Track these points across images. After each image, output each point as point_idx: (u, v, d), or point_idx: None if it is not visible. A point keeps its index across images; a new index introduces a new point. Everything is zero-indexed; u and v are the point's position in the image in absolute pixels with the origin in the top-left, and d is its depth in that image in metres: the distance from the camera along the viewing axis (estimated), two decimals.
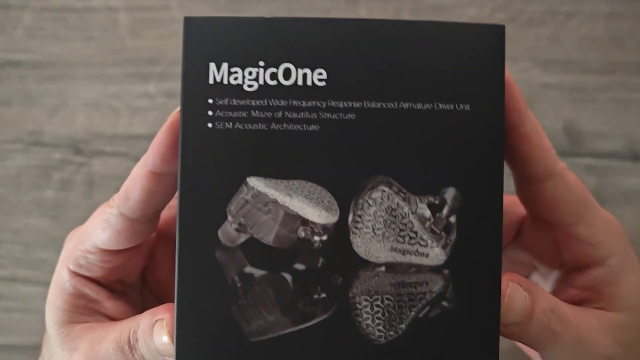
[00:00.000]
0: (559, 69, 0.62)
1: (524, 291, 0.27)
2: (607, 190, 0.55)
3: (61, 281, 0.33)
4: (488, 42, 0.25)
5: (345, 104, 0.25)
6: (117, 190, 0.64)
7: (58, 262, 0.34)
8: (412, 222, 0.25)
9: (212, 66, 0.25)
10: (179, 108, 0.28)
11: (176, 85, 0.61)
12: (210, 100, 0.25)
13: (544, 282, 0.34)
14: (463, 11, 0.55)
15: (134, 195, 0.29)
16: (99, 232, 0.31)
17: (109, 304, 0.33)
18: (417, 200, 0.25)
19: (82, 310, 0.33)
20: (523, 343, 0.29)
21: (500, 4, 0.62)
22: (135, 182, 0.29)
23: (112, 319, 0.33)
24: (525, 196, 0.31)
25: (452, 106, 0.25)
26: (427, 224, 0.25)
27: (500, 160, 0.25)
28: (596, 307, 0.30)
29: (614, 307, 0.30)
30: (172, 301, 0.36)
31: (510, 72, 0.61)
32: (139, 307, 0.35)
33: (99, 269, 0.32)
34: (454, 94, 0.25)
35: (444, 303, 0.25)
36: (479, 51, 0.25)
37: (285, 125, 0.25)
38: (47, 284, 0.62)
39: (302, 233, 0.25)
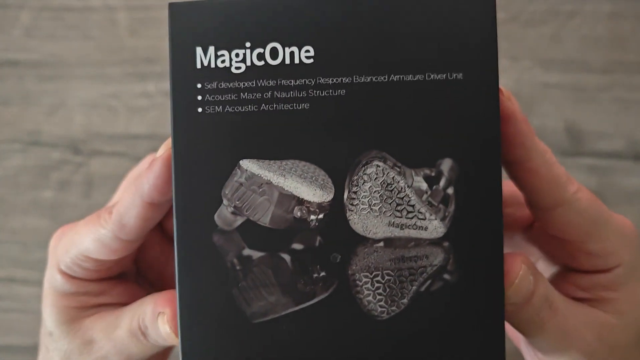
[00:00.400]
0: (560, 68, 0.62)
1: (530, 275, 0.27)
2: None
3: (58, 284, 0.33)
4: (479, 8, 0.25)
5: (335, 80, 0.25)
6: (116, 190, 0.64)
7: (48, 265, 0.34)
8: (408, 196, 0.25)
9: (199, 50, 0.25)
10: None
11: None
12: (199, 85, 0.25)
13: (545, 269, 0.34)
14: None
15: (130, 222, 0.29)
16: (91, 248, 0.31)
17: (112, 292, 0.33)
18: (413, 173, 0.25)
19: (87, 305, 0.33)
20: (512, 325, 0.29)
21: (501, 3, 0.61)
22: (131, 210, 0.29)
23: (118, 303, 0.33)
24: (536, 216, 0.30)
25: (444, 76, 0.25)
26: (424, 196, 0.25)
27: (497, 127, 0.25)
28: (589, 305, 0.30)
29: (607, 309, 0.30)
30: (163, 281, 0.36)
31: (512, 72, 0.59)
32: (139, 284, 0.36)
33: (93, 272, 0.33)
34: (446, 63, 0.25)
35: (446, 276, 0.25)
36: (470, 18, 0.25)
37: (275, 105, 0.25)
38: None
39: (298, 213, 0.25)
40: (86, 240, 0.31)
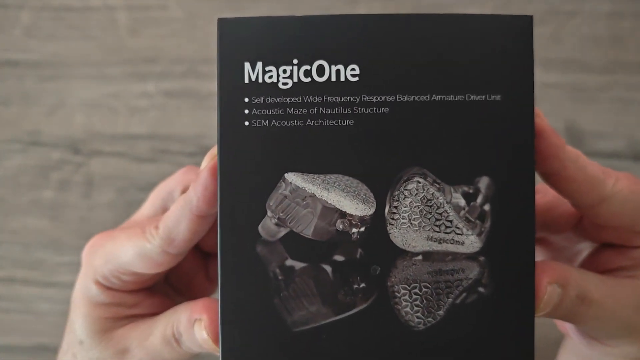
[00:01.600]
0: (560, 68, 0.62)
1: (559, 288, 0.28)
2: None
3: (92, 294, 0.33)
4: (516, 32, 0.26)
5: (379, 98, 0.26)
6: (116, 190, 0.64)
7: (80, 274, 0.34)
8: (447, 212, 0.26)
9: (247, 66, 0.26)
10: (215, 148, 0.28)
11: (175, 84, 0.61)
12: (247, 99, 0.26)
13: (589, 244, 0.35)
14: (464, 10, 0.56)
15: (180, 236, 0.29)
16: (135, 262, 0.31)
17: (145, 303, 0.33)
18: (452, 190, 0.26)
19: (120, 316, 0.33)
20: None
21: (502, 3, 0.62)
22: (180, 224, 0.29)
23: (150, 314, 0.33)
24: (583, 214, 0.31)
25: (483, 97, 0.25)
26: (462, 212, 0.26)
27: (531, 148, 0.26)
28: (629, 276, 0.31)
29: None
30: (192, 291, 0.36)
31: None
32: (167, 294, 0.36)
33: (130, 284, 0.33)
34: (485, 85, 0.25)
35: (480, 289, 0.26)
36: (508, 42, 0.26)
37: (320, 120, 0.26)
38: (46, 284, 0.61)
39: (340, 225, 0.26)
40: (129, 253, 0.31)
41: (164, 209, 0.34)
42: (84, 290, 0.33)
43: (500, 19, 0.26)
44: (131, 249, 0.31)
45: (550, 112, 0.57)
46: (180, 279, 0.36)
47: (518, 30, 0.26)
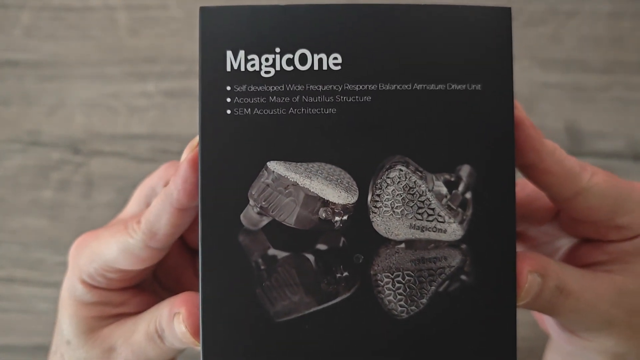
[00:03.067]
0: (560, 68, 0.62)
1: (539, 277, 0.28)
2: None
3: (78, 294, 0.33)
4: (496, 23, 0.26)
5: (361, 87, 0.26)
6: (116, 190, 0.64)
7: (67, 274, 0.34)
8: (429, 200, 0.26)
9: (229, 54, 0.26)
10: (196, 138, 0.28)
11: (175, 84, 0.61)
12: (228, 88, 0.26)
13: (569, 240, 0.35)
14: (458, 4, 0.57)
15: (161, 230, 0.30)
16: (119, 258, 0.31)
17: (132, 302, 0.34)
18: (434, 178, 0.26)
19: (107, 315, 0.33)
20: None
21: (500, 3, 0.62)
22: (161, 217, 0.29)
23: (137, 312, 0.33)
24: (560, 207, 0.32)
25: (464, 86, 0.26)
26: (444, 200, 0.26)
27: (511, 136, 0.26)
28: (606, 270, 0.31)
29: (626, 273, 0.31)
30: (180, 287, 0.36)
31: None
32: (155, 292, 0.36)
33: (116, 282, 0.33)
34: (466, 75, 0.26)
35: (463, 277, 0.26)
36: (488, 33, 0.26)
37: (302, 109, 0.26)
38: (45, 284, 0.61)
39: (323, 214, 0.26)
40: (113, 250, 0.31)
41: (148, 205, 0.35)
42: (71, 290, 0.33)
43: (481, 10, 0.26)
44: (115, 245, 0.31)
45: (550, 112, 0.60)
46: (168, 276, 0.37)
47: (498, 22, 0.26)
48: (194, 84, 0.58)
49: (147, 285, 0.36)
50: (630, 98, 0.61)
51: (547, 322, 0.35)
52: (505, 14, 0.26)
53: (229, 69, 0.26)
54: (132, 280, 0.33)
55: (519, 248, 0.36)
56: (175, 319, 0.29)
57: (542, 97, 0.62)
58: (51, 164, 0.63)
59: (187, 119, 0.63)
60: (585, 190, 0.29)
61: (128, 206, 0.37)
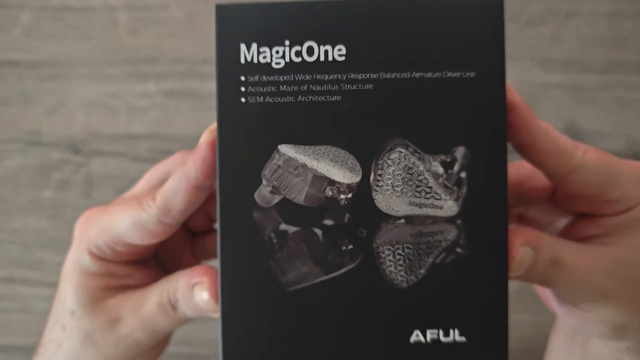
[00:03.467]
0: (560, 68, 0.64)
1: (531, 250, 0.31)
2: None
3: (85, 265, 0.36)
4: (489, 14, 0.30)
5: (364, 76, 0.30)
6: (116, 190, 0.67)
7: (73, 247, 0.37)
8: (427, 179, 0.30)
9: (243, 47, 0.30)
10: (214, 124, 0.31)
11: (175, 84, 0.64)
12: (243, 78, 0.30)
13: (568, 220, 0.38)
14: None
15: (176, 206, 0.33)
16: (129, 232, 0.34)
17: (135, 275, 0.37)
18: (431, 159, 0.30)
19: (112, 286, 0.36)
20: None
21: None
22: (177, 194, 0.33)
23: (140, 285, 0.37)
24: (555, 184, 0.35)
25: (459, 74, 0.29)
26: (440, 179, 0.30)
27: (503, 120, 0.30)
28: (601, 243, 0.34)
29: (621, 245, 0.33)
30: (180, 266, 0.39)
31: (511, 72, 0.62)
32: (156, 269, 0.39)
33: (123, 255, 0.36)
34: (461, 63, 0.29)
35: (458, 249, 0.30)
36: (481, 23, 0.30)
37: (310, 97, 0.30)
38: (46, 284, 0.64)
39: (329, 192, 0.30)
40: (125, 223, 0.34)
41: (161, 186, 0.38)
42: (77, 262, 0.36)
43: (475, 2, 0.30)
44: (127, 219, 0.34)
45: (550, 112, 0.63)
46: (168, 256, 0.40)
47: (490, 12, 0.30)
48: (194, 84, 0.64)
49: (148, 262, 0.39)
50: (630, 98, 0.63)
51: (551, 300, 0.38)
52: (497, 4, 0.30)
53: (242, 61, 0.30)
54: (138, 255, 0.36)
55: None
56: (195, 288, 0.33)
57: (542, 97, 0.64)
58: (51, 164, 0.64)
59: (187, 119, 0.65)
60: (578, 166, 0.32)
61: (137, 186, 0.40)
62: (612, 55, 0.64)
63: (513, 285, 0.66)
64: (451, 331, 0.30)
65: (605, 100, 0.64)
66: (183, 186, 0.32)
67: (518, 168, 0.38)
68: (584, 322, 0.35)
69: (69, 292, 0.36)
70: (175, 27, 0.65)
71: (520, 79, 0.64)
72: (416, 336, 0.30)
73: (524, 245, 0.31)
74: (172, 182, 0.33)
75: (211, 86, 0.65)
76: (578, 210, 0.36)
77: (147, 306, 0.35)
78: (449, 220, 0.30)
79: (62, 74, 0.65)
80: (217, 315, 0.31)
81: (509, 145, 0.32)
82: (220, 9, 0.30)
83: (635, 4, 0.64)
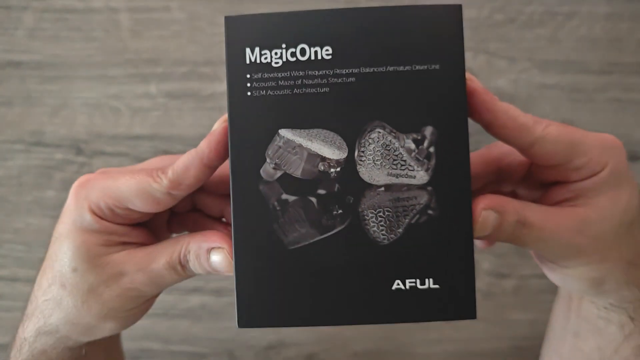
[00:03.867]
0: (558, 69, 0.71)
1: (495, 213, 0.41)
2: None
3: (86, 223, 0.42)
4: (450, 17, 0.41)
5: (347, 71, 0.41)
6: None
7: (70, 208, 0.43)
8: (402, 154, 0.41)
9: (248, 50, 0.41)
10: (226, 115, 0.41)
11: (177, 85, 0.71)
12: (248, 76, 0.41)
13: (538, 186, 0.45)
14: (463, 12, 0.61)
15: (186, 181, 0.42)
16: (135, 198, 0.42)
17: (132, 234, 0.45)
18: (405, 137, 0.41)
19: (112, 243, 0.43)
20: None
21: (499, 5, 0.70)
22: (189, 170, 0.42)
23: (138, 243, 0.45)
24: (524, 156, 0.42)
25: (425, 66, 0.41)
26: (413, 154, 0.41)
27: (464, 103, 0.41)
28: (572, 205, 0.41)
29: (588, 206, 0.40)
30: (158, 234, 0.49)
31: (509, 73, 0.70)
32: (146, 228, 0.47)
33: (121, 219, 0.44)
34: (427, 58, 0.41)
35: (430, 212, 0.41)
36: (444, 25, 0.40)
37: (304, 89, 0.41)
38: None
39: (321, 167, 0.41)
40: (132, 190, 0.42)
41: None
42: (77, 221, 0.42)
43: (440, 7, 0.41)
44: (135, 185, 0.42)
45: (548, 113, 0.70)
46: (151, 226, 0.48)
47: (451, 15, 0.41)
48: (196, 85, 0.71)
49: (152, 221, 0.48)
50: (627, 99, 0.70)
51: (536, 259, 0.46)
52: (456, 10, 0.41)
53: (247, 61, 0.41)
54: (132, 221, 0.44)
55: None
56: (213, 252, 0.43)
57: (540, 97, 0.71)
58: (54, 164, 0.71)
59: (189, 120, 0.71)
60: (539, 139, 0.39)
61: (142, 164, 0.48)
62: (610, 56, 0.70)
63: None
64: (426, 280, 0.41)
65: (603, 101, 0.71)
66: (195, 163, 0.42)
67: (498, 147, 0.46)
68: (564, 277, 0.44)
69: (68, 252, 0.42)
70: (177, 29, 0.71)
71: (518, 80, 0.71)
72: (397, 285, 0.41)
73: (487, 210, 0.41)
74: (184, 159, 0.42)
75: (212, 87, 0.71)
76: (550, 179, 0.43)
77: (156, 265, 0.43)
78: (421, 187, 0.41)
79: (65, 75, 0.71)
80: (231, 273, 0.42)
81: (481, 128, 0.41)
82: (228, 20, 0.42)
83: (633, 5, 0.70)
